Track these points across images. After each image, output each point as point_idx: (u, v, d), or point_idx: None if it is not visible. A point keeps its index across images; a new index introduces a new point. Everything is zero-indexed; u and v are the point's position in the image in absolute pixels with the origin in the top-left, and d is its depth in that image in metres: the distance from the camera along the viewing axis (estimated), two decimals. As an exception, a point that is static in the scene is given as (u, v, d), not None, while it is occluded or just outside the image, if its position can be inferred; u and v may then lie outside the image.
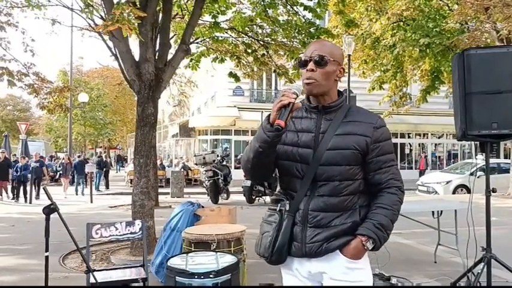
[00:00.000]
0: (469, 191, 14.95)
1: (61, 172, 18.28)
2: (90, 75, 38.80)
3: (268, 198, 13.47)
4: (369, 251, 1.89)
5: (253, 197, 13.15)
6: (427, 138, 26.27)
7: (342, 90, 2.07)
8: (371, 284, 1.95)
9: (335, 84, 1.97)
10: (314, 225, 1.87)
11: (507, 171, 14.96)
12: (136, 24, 5.59)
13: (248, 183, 12.97)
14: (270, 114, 1.81)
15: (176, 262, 3.17)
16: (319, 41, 2.11)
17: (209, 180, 13.18)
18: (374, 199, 1.94)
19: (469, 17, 11.61)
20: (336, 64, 1.93)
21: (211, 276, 2.91)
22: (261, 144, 1.82)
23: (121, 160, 36.79)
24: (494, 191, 4.21)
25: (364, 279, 1.91)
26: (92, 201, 13.76)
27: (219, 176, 13.14)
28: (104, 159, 20.17)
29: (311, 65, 1.89)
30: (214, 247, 3.66)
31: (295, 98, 1.79)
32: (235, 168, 19.65)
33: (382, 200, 1.91)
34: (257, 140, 1.85)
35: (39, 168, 15.80)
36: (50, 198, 2.94)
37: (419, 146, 26.35)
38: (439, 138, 26.77)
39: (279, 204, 1.94)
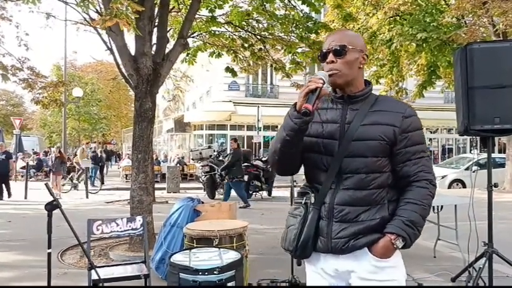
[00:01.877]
0: (464, 185, 15.06)
1: (52, 168, 16.00)
2: (84, 69, 38.52)
3: (265, 193, 13.49)
4: (399, 249, 1.81)
5: (250, 192, 13.14)
6: (422, 132, 26.36)
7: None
8: (403, 282, 1.85)
9: (360, 73, 1.90)
10: (340, 219, 1.80)
11: (502, 165, 15.04)
12: (133, 18, 5.52)
13: (245, 178, 12.95)
14: (296, 103, 1.76)
15: (179, 258, 3.14)
16: (336, 31, 2.07)
17: (206, 175, 13.16)
18: (403, 193, 1.85)
19: (466, 12, 11.60)
20: (357, 52, 1.87)
21: (215, 272, 2.89)
22: (288, 132, 1.77)
23: (112, 155, 35.39)
24: (496, 185, 4.22)
25: (396, 278, 1.82)
26: (87, 197, 13.68)
27: (216, 171, 13.11)
28: (99, 154, 20.02)
29: (330, 57, 1.85)
30: (216, 243, 3.64)
31: (323, 84, 1.74)
32: (231, 163, 19.59)
33: (412, 195, 1.82)
34: (284, 129, 1.79)
35: (5, 162, 13.33)
36: (52, 194, 2.89)
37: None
38: (433, 133, 26.86)
39: (304, 197, 1.89)
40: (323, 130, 1.86)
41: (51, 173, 14.93)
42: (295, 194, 2.05)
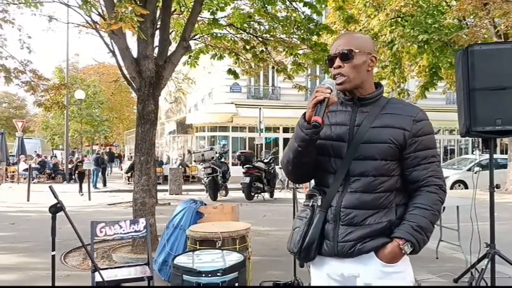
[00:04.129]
0: (466, 186, 15.05)
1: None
2: (86, 72, 38.57)
3: (267, 195, 13.51)
4: (407, 255, 1.78)
5: (252, 194, 13.15)
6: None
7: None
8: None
9: (369, 75, 1.88)
10: (347, 223, 1.78)
11: (504, 166, 15.04)
12: (137, 21, 5.54)
13: (247, 179, 12.99)
14: (305, 112, 1.75)
15: (182, 260, 3.16)
16: (342, 35, 2.03)
17: (208, 177, 13.17)
18: (412, 198, 1.82)
19: (467, 13, 11.61)
20: (364, 54, 1.84)
21: (218, 274, 2.90)
22: (300, 143, 1.77)
23: (115, 157, 35.64)
24: (498, 186, 4.23)
25: (402, 284, 1.79)
26: (90, 199, 13.71)
27: (218, 173, 13.14)
28: (101, 156, 20.07)
29: (337, 62, 1.83)
30: (219, 245, 3.66)
31: (330, 93, 1.73)
32: (233, 165, 19.63)
33: (421, 200, 1.79)
34: (295, 140, 1.79)
35: None
36: (56, 197, 2.91)
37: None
38: (435, 134, 26.78)
39: (312, 200, 1.87)
40: (332, 132, 1.84)
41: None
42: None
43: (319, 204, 1.84)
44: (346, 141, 1.82)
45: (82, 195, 14.70)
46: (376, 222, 1.77)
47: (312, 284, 1.97)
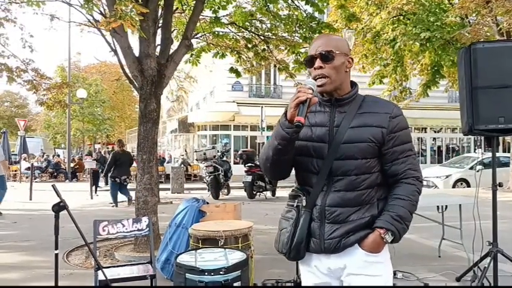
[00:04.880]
0: (468, 185, 15.02)
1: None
2: (87, 70, 38.64)
3: (269, 194, 13.51)
4: (388, 243, 1.86)
5: (254, 192, 13.15)
6: (426, 132, 26.28)
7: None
8: (390, 278, 1.91)
9: (346, 76, 1.92)
10: (332, 221, 1.84)
11: (507, 164, 15.00)
12: (138, 20, 5.54)
13: (249, 178, 13.00)
14: (286, 111, 1.77)
15: (185, 259, 3.16)
16: (320, 36, 2.08)
17: (210, 176, 13.18)
18: (391, 190, 1.90)
19: (470, 11, 11.57)
20: (342, 56, 1.88)
21: (221, 272, 2.90)
22: (280, 141, 1.80)
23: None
24: (500, 185, 4.22)
25: (383, 273, 1.87)
26: (92, 198, 13.74)
27: (220, 172, 13.15)
28: (104, 155, 20.12)
29: (318, 62, 1.86)
30: (222, 243, 3.66)
31: (312, 93, 1.76)
32: (235, 163, 19.65)
33: (400, 191, 1.88)
34: (275, 138, 1.82)
35: None
36: (59, 195, 2.91)
37: (417, 140, 26.33)
38: (437, 132, 26.80)
39: (296, 200, 1.92)
40: (312, 134, 1.88)
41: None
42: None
43: (304, 204, 1.90)
44: (327, 142, 1.86)
45: (97, 195, 14.60)
46: (359, 218, 1.85)
47: (303, 279, 2.03)
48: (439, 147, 26.84)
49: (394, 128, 1.86)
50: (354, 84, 1.96)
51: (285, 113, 1.78)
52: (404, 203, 1.85)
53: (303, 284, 2.05)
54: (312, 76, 1.89)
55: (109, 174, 11.79)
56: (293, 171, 2.01)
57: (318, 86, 1.85)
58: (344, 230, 1.83)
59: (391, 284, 1.93)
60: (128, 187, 11.71)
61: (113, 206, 11.49)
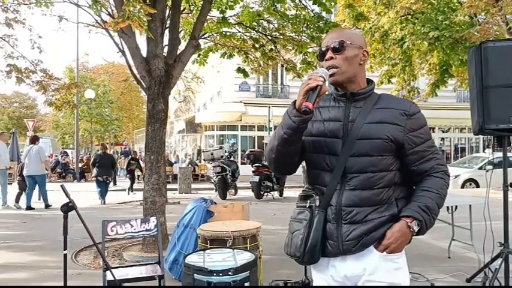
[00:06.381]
0: (477, 185, 14.89)
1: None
2: (95, 71, 38.89)
3: (276, 194, 13.48)
4: (414, 235, 1.78)
5: (262, 193, 13.13)
6: (434, 132, 26.11)
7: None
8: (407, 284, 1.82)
9: (361, 70, 1.86)
10: (349, 221, 1.75)
11: (517, 164, 14.83)
12: (145, 20, 5.55)
13: (256, 178, 12.97)
14: (295, 100, 1.71)
15: (194, 259, 3.15)
16: (334, 30, 2.00)
17: (217, 176, 13.17)
18: (419, 183, 1.84)
19: (479, 10, 11.46)
20: (356, 48, 1.82)
21: (230, 273, 2.89)
22: (286, 130, 1.71)
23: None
24: (511, 185, 4.17)
25: (403, 281, 1.79)
26: (100, 198, 13.76)
27: (227, 172, 13.14)
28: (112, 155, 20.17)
29: (329, 53, 1.82)
30: (230, 244, 3.64)
31: (323, 82, 1.69)
32: (242, 163, 19.64)
33: (429, 184, 1.81)
34: (282, 127, 1.74)
35: None
36: (68, 196, 2.92)
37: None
38: (445, 132, 26.61)
39: (309, 201, 1.83)
40: (325, 129, 1.82)
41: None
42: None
43: (317, 204, 1.81)
44: (341, 137, 1.79)
45: (134, 194, 14.78)
46: (378, 217, 1.77)
47: (315, 284, 1.95)
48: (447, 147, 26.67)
49: (415, 126, 1.80)
50: (370, 81, 1.91)
51: (294, 102, 1.72)
52: (432, 195, 1.79)
53: None
54: (324, 67, 1.84)
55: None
56: (300, 172, 1.96)
57: (329, 76, 1.79)
58: (363, 231, 1.75)
59: None
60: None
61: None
